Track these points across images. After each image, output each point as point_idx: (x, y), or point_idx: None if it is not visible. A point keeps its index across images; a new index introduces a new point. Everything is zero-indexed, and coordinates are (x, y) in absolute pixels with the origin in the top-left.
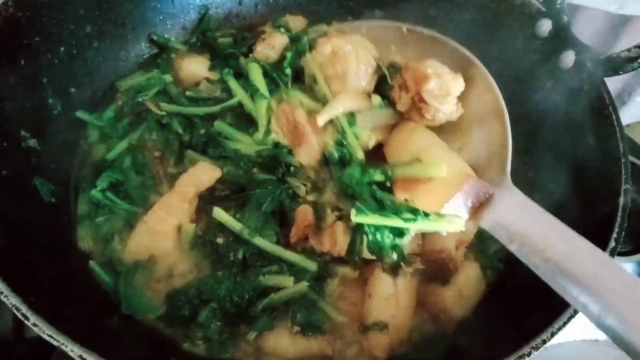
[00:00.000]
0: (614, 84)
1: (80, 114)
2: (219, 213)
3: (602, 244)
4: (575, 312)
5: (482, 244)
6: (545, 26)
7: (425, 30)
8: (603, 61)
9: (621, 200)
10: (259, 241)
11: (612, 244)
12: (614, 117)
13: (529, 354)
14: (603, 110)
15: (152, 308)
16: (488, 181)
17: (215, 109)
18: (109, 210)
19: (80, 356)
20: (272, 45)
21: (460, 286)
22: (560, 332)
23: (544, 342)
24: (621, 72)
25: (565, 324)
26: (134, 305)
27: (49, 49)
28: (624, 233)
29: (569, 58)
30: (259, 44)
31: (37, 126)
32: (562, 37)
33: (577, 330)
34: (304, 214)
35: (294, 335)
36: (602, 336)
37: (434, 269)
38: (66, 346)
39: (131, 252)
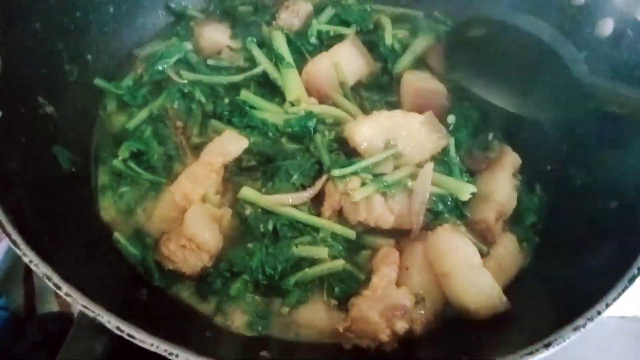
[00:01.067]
0: None
1: (99, 82)
2: (246, 192)
3: None
4: (631, 281)
5: (517, 217)
6: None
7: None
8: None
9: None
10: (290, 211)
11: None
12: None
13: (584, 325)
14: None
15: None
16: None
17: (239, 77)
18: (131, 180)
19: (118, 327)
20: (296, 12)
21: (499, 258)
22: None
23: (599, 313)
24: None
25: (619, 294)
26: (167, 278)
27: (65, 13)
28: None
29: (607, 25)
30: (282, 12)
31: (54, 93)
32: (599, 4)
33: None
34: (332, 190)
35: (331, 309)
36: (628, 313)
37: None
38: (102, 317)
39: (157, 222)
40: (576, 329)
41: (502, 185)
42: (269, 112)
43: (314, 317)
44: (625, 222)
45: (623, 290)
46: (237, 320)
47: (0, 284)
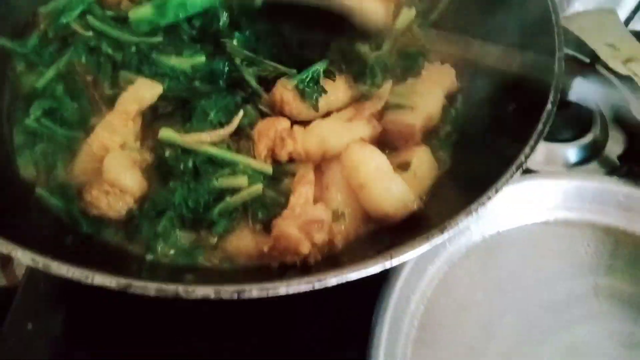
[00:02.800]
0: None
1: (2, 42)
2: (166, 134)
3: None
4: (518, 168)
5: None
6: None
7: None
8: None
9: (556, 68)
10: (208, 148)
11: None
12: None
13: (476, 210)
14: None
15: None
16: None
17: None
18: (47, 137)
19: (33, 259)
20: None
21: (414, 168)
22: (512, 214)
23: (489, 198)
24: None
25: (508, 180)
26: (94, 225)
27: None
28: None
29: None
30: None
31: None
32: None
33: (529, 215)
34: (265, 130)
35: (257, 233)
36: (551, 217)
37: (390, 138)
38: (17, 252)
39: (78, 175)
40: (468, 213)
41: (434, 98)
42: (176, 59)
43: (241, 243)
44: (518, 122)
45: (511, 176)
46: (167, 256)
47: None
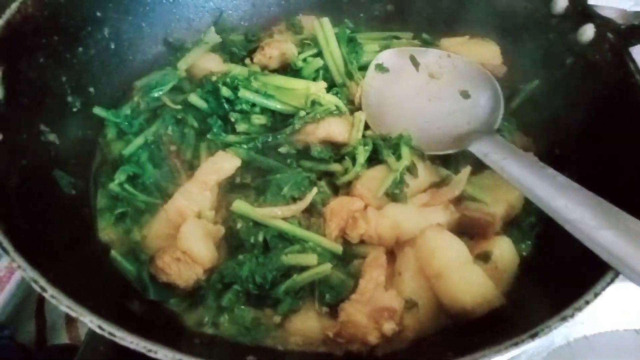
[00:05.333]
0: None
1: (98, 111)
2: (239, 206)
3: None
4: (616, 275)
5: (517, 218)
6: (561, 2)
7: None
8: (625, 30)
9: None
10: (279, 223)
11: None
12: None
13: (572, 315)
14: (630, 79)
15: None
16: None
17: None
18: (127, 202)
19: (100, 326)
20: (268, 56)
21: (495, 259)
22: (602, 316)
23: (587, 302)
24: None
25: (608, 284)
26: (161, 292)
27: (68, 48)
28: None
29: (588, 32)
30: (257, 53)
31: (56, 122)
32: (579, 11)
33: (620, 320)
34: (338, 209)
35: (322, 316)
36: None
37: (469, 226)
38: (84, 317)
39: (153, 240)
40: (563, 319)
41: None
42: None
43: (306, 325)
44: None
45: (612, 280)
46: (228, 330)
47: (12, 316)
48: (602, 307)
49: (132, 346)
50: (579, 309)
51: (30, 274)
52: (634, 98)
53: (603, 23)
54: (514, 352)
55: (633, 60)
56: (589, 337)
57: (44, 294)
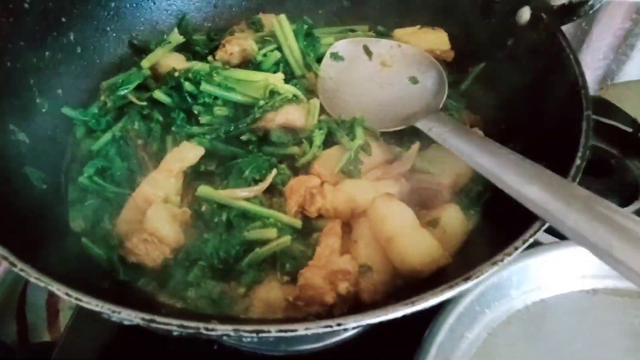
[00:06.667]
0: (594, 71)
1: (66, 111)
2: (204, 190)
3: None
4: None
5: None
6: None
7: None
8: (557, 10)
9: (584, 125)
10: (241, 203)
11: (578, 161)
12: (572, 56)
13: (502, 260)
14: (562, 54)
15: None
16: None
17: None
18: (97, 194)
19: (67, 293)
20: (229, 52)
21: (444, 224)
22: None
23: (516, 248)
24: (575, 18)
25: (536, 231)
26: (131, 273)
27: (34, 53)
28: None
29: (525, 14)
30: (219, 50)
31: (25, 122)
32: None
33: (575, 282)
34: (296, 187)
35: (284, 285)
36: (599, 285)
37: (421, 198)
38: (52, 286)
39: (122, 225)
40: (494, 263)
41: None
42: None
43: (269, 294)
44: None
45: (539, 228)
46: (195, 303)
47: None
48: (559, 271)
49: (97, 309)
50: (509, 254)
51: (1, 251)
52: (567, 71)
53: (537, 5)
54: (449, 294)
55: (565, 37)
56: (546, 299)
57: (14, 269)
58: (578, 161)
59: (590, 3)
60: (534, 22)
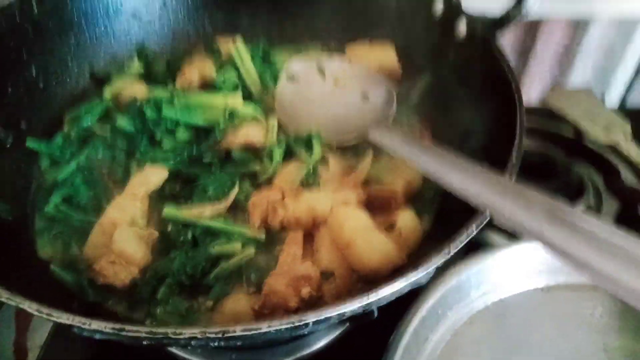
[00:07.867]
0: (540, 81)
1: (30, 143)
2: (169, 211)
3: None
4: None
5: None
6: (438, 5)
7: None
8: (490, 22)
9: (517, 129)
10: (206, 221)
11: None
12: (505, 66)
13: (448, 253)
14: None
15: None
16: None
17: None
18: (64, 222)
19: (38, 310)
20: (189, 80)
21: (399, 228)
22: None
23: (461, 242)
24: (506, 26)
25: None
26: (100, 294)
27: None
28: None
29: (461, 28)
30: (179, 78)
31: None
32: (453, 11)
33: (530, 281)
34: (259, 202)
35: (250, 295)
36: (551, 282)
37: (377, 205)
38: (24, 304)
39: (90, 251)
40: (442, 254)
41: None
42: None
43: (236, 305)
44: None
45: (481, 222)
46: (164, 322)
47: None
48: (513, 271)
49: (68, 322)
50: (456, 247)
51: None
52: (502, 81)
53: (472, 19)
54: (402, 283)
55: (499, 49)
56: (504, 299)
57: None
58: (514, 160)
59: (522, 14)
60: (470, 36)
